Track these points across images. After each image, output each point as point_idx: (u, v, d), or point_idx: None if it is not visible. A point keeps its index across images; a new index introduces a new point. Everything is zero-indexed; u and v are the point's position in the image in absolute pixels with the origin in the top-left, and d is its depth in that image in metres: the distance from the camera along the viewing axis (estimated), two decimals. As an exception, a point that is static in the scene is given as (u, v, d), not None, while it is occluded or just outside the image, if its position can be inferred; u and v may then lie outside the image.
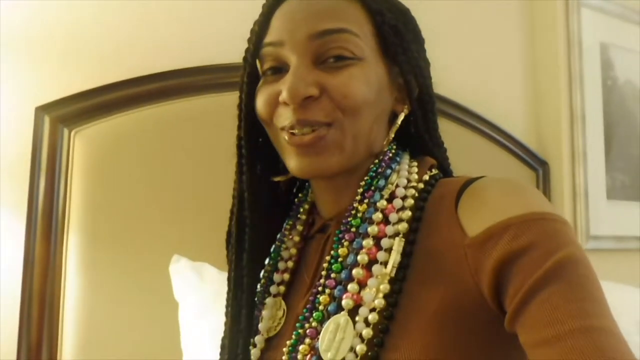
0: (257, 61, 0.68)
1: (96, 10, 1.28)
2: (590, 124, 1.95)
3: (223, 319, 0.76)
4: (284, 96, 0.61)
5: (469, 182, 0.62)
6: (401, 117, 0.69)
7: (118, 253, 1.21)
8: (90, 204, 1.20)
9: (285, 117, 0.63)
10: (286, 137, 0.64)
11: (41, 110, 1.17)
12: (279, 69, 0.65)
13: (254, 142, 0.70)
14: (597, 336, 0.46)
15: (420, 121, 0.71)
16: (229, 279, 0.73)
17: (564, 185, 1.90)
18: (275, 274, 0.72)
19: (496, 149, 1.79)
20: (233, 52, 1.35)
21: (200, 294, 1.13)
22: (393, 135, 0.69)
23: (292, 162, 0.64)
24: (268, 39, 0.66)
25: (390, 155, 0.68)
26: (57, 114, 1.18)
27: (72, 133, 1.20)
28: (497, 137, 1.79)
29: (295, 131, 0.63)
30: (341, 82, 0.62)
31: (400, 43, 0.67)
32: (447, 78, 1.70)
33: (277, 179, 0.74)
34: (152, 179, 1.25)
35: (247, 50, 0.69)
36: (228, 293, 0.73)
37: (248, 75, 0.69)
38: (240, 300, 0.70)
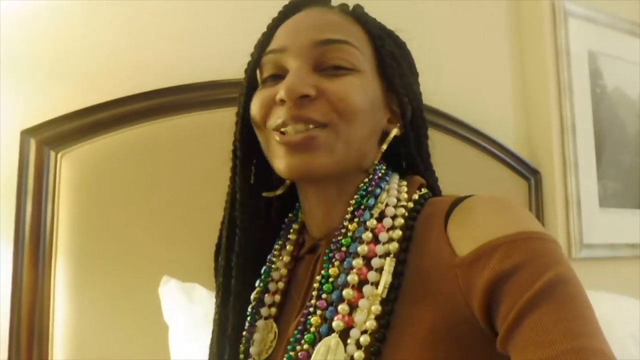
0: (258, 71, 0.70)
1: (80, 31, 1.27)
2: (581, 132, 1.95)
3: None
4: (281, 94, 0.62)
5: (458, 201, 0.62)
6: (393, 132, 0.70)
7: (107, 276, 1.19)
8: (78, 227, 1.19)
9: (279, 115, 0.64)
10: (277, 138, 0.64)
11: (27, 133, 1.16)
12: (278, 76, 0.66)
13: (250, 148, 0.72)
14: (589, 356, 0.46)
15: (413, 144, 0.73)
16: (218, 286, 0.74)
17: (556, 194, 1.89)
18: (266, 295, 0.72)
19: (487, 159, 1.79)
20: (220, 69, 1.36)
21: (190, 316, 1.12)
22: (385, 148, 0.70)
23: (282, 162, 0.64)
24: (271, 47, 0.68)
25: (380, 174, 0.69)
26: (42, 137, 1.17)
27: (59, 155, 1.19)
28: (489, 147, 1.79)
29: (288, 128, 0.63)
30: (339, 87, 0.64)
31: (397, 67, 0.70)
32: (437, 89, 1.69)
33: (267, 194, 0.75)
34: (141, 199, 1.24)
35: (250, 60, 0.72)
36: (218, 302, 0.73)
37: (247, 83, 0.71)
38: (227, 307, 0.72)
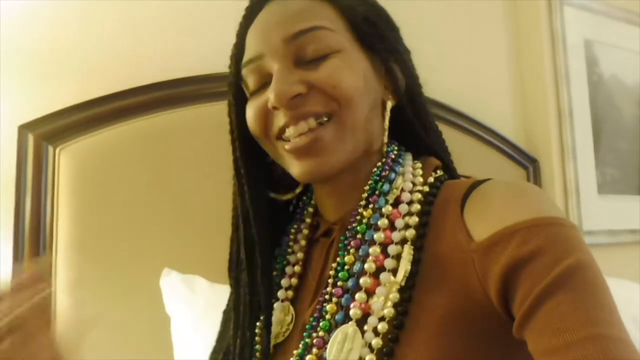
0: (242, 84, 0.68)
1: (77, 26, 1.27)
2: (578, 120, 1.96)
3: (216, 331, 0.76)
4: (271, 101, 0.61)
5: (475, 184, 0.61)
6: (389, 105, 0.68)
7: (108, 269, 1.19)
8: (77, 221, 1.19)
9: (277, 121, 0.63)
10: (285, 147, 0.63)
11: (24, 128, 1.16)
12: (264, 84, 0.65)
13: (251, 161, 0.71)
14: (607, 344, 0.45)
15: (408, 107, 0.70)
16: (237, 301, 0.71)
17: (554, 181, 1.90)
18: (282, 278, 0.71)
19: (486, 148, 1.79)
20: (217, 62, 1.35)
21: (191, 307, 1.12)
22: (388, 124, 0.68)
23: (295, 169, 0.63)
24: (246, 58, 0.66)
25: (393, 156, 0.67)
26: (40, 132, 1.17)
27: (57, 150, 1.19)
28: (486, 137, 1.79)
29: (290, 130, 0.62)
30: (326, 74, 0.62)
31: (375, 32, 0.67)
32: (434, 79, 1.68)
33: (275, 196, 0.73)
34: (140, 192, 1.24)
35: (229, 74, 0.70)
36: (238, 313, 0.70)
37: (234, 97, 0.69)
38: (239, 295, 0.70)
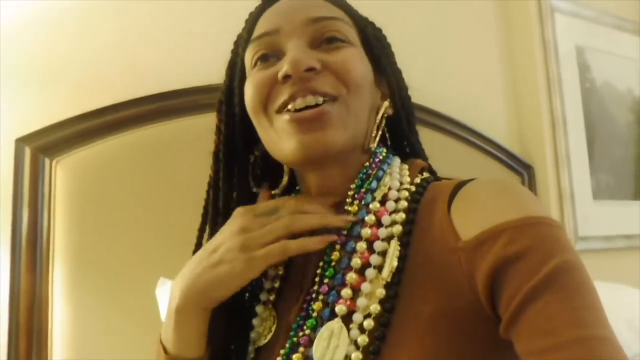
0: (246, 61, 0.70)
1: (73, 40, 1.29)
2: (572, 127, 1.97)
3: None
4: (285, 69, 0.61)
5: (461, 184, 0.62)
6: (382, 108, 0.70)
7: (104, 280, 1.20)
8: (74, 233, 1.20)
9: (283, 93, 0.63)
10: (287, 117, 0.62)
11: (21, 141, 1.17)
12: (269, 57, 0.66)
13: (237, 153, 0.73)
14: (594, 346, 0.45)
15: (404, 122, 0.73)
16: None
17: (549, 188, 1.91)
18: (264, 280, 0.71)
19: (480, 155, 1.80)
20: (211, 74, 1.37)
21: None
22: (383, 124, 0.70)
23: (293, 142, 0.62)
24: (258, 32, 0.67)
25: (381, 157, 0.68)
26: (37, 144, 1.18)
27: (54, 162, 1.20)
28: (481, 144, 1.80)
29: (297, 102, 0.62)
30: (342, 59, 0.64)
31: (383, 49, 0.71)
32: (428, 88, 1.71)
33: (258, 190, 0.74)
34: (136, 203, 1.25)
35: (237, 53, 0.71)
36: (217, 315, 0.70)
37: (240, 71, 0.70)
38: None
